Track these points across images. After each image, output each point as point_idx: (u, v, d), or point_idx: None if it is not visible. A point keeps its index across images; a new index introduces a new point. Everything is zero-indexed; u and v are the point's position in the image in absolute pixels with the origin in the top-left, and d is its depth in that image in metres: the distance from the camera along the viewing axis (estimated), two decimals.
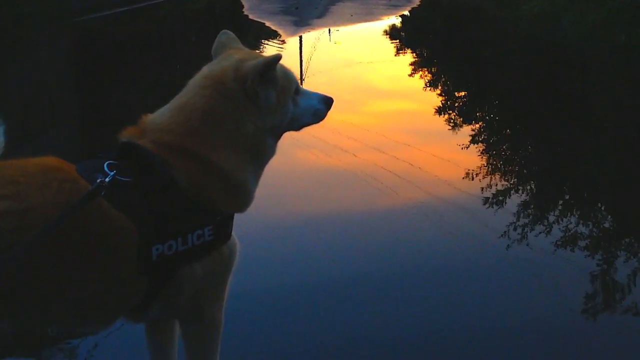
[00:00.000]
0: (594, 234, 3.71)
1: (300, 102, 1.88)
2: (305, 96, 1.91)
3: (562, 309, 2.88)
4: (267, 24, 12.71)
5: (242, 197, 1.76)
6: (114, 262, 1.55)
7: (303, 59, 9.67)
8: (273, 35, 11.91)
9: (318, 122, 1.96)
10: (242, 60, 1.76)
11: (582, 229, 3.75)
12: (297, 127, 1.92)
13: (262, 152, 1.80)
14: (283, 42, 11.32)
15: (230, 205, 1.73)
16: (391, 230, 3.71)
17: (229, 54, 1.83)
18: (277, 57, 1.73)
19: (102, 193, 1.50)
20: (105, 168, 1.58)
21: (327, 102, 1.95)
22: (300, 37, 11.65)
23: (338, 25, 12.98)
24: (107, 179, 1.53)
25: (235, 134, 1.71)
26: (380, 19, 14.00)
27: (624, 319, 2.83)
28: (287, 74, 1.84)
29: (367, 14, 14.49)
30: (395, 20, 14.08)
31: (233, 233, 1.76)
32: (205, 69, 1.81)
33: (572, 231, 3.69)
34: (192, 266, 1.65)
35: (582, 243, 3.54)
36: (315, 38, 11.51)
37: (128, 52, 10.10)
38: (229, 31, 1.95)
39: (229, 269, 1.78)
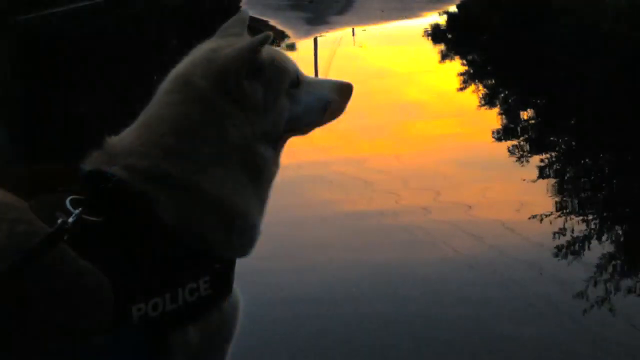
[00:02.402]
0: None
1: (301, 96, 1.56)
2: (311, 86, 1.59)
3: None
4: (272, 22, 10.82)
5: (245, 233, 1.46)
6: (83, 327, 1.28)
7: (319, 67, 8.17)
8: (280, 37, 10.13)
9: (333, 119, 1.63)
10: (215, 50, 1.47)
11: None
12: (304, 130, 1.60)
13: (259, 167, 1.49)
14: (292, 45, 9.67)
15: (231, 245, 1.43)
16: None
17: (201, 45, 1.54)
18: (263, 39, 1.41)
19: (65, 237, 1.28)
20: (68, 205, 1.33)
21: (343, 90, 1.63)
22: (316, 39, 10.02)
23: (364, 24, 10.94)
24: (70, 219, 1.29)
25: (219, 146, 1.42)
26: (420, 16, 11.74)
27: None
28: (276, 59, 1.50)
29: (403, 9, 12.16)
30: (439, 18, 11.80)
31: (234, 285, 1.47)
32: (174, 70, 1.54)
33: None
34: (185, 330, 1.38)
35: None
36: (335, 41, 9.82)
37: (89, 56, 9.18)
38: (245, 9, 1.67)
39: (232, 333, 1.50)
